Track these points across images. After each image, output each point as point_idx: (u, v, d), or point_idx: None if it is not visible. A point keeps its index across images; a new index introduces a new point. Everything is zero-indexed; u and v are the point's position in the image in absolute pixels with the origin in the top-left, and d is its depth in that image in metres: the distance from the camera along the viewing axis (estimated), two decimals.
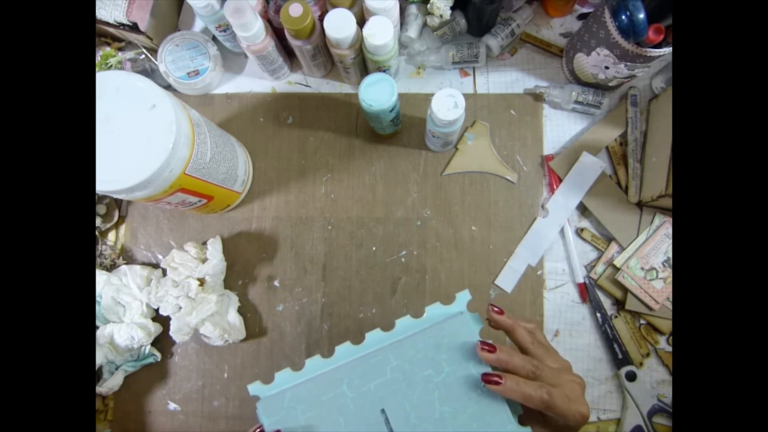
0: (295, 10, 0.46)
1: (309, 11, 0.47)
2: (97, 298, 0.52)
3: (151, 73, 0.57)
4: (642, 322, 0.51)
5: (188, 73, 0.55)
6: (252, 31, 0.47)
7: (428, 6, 0.53)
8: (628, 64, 0.47)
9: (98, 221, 0.55)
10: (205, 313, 0.50)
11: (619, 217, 0.52)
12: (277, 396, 0.33)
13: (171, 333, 0.50)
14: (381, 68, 0.51)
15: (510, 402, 0.32)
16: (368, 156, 0.56)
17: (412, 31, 0.55)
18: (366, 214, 0.55)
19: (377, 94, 0.46)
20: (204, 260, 0.53)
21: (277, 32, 0.53)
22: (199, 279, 0.52)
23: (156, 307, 0.52)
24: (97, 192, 0.37)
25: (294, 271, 0.55)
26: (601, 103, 0.53)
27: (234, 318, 0.52)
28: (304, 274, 0.55)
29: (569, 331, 0.52)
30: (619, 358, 0.50)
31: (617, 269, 0.51)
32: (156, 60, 0.56)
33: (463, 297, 0.35)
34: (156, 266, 0.55)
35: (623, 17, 0.43)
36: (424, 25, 0.56)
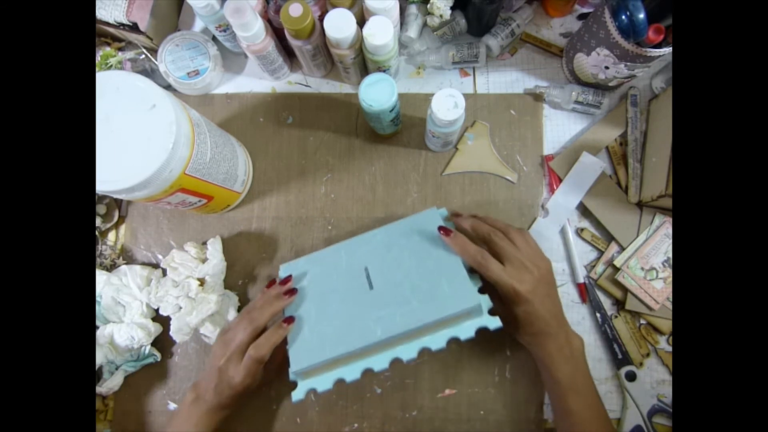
0: (295, 10, 0.46)
1: (309, 11, 0.47)
2: (97, 298, 0.52)
3: (151, 73, 0.57)
4: (642, 322, 0.51)
5: (188, 73, 0.55)
6: (252, 31, 0.47)
7: (428, 6, 0.53)
8: (628, 64, 0.47)
9: (98, 221, 0.55)
10: (206, 313, 0.50)
11: (619, 217, 0.52)
12: (295, 261, 0.48)
13: (171, 333, 0.50)
14: (381, 68, 0.51)
15: (471, 274, 0.42)
16: (368, 156, 0.56)
17: (412, 31, 0.55)
18: (366, 214, 0.55)
19: (377, 94, 0.46)
20: (204, 260, 0.53)
21: (277, 32, 0.53)
22: (199, 279, 0.52)
23: (156, 307, 0.52)
24: (97, 192, 0.37)
25: None
26: (601, 103, 0.53)
27: (234, 318, 0.52)
28: None
29: None
30: (618, 358, 0.50)
31: (617, 269, 0.51)
32: (156, 60, 0.56)
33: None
34: (156, 266, 0.55)
35: (623, 17, 0.43)
36: (424, 25, 0.56)
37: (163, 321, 0.53)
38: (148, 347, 0.52)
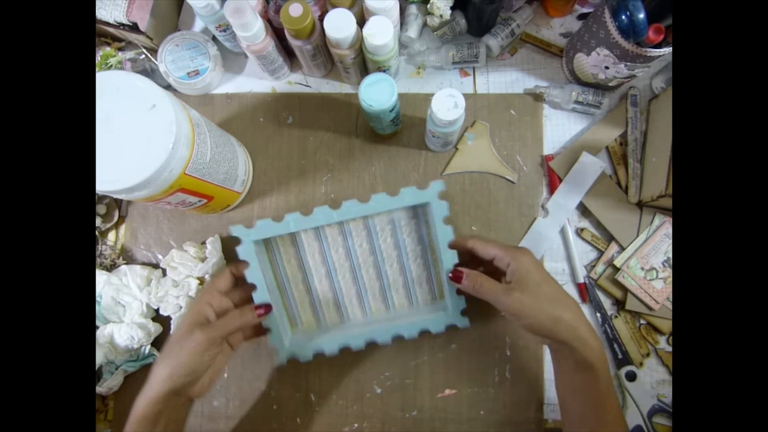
0: (295, 10, 0.46)
1: (309, 11, 0.47)
2: (97, 298, 0.52)
3: (151, 73, 0.57)
4: (642, 322, 0.51)
5: (188, 73, 0.55)
6: (252, 31, 0.47)
7: (428, 6, 0.53)
8: (628, 64, 0.47)
9: (98, 221, 0.55)
10: None
11: (619, 217, 0.52)
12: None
13: (171, 333, 0.50)
14: (381, 68, 0.51)
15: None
16: (368, 156, 0.56)
17: (412, 31, 0.55)
18: None
19: (377, 94, 0.46)
20: (203, 259, 0.53)
21: (277, 32, 0.53)
22: (199, 278, 0.52)
23: (156, 307, 0.52)
24: (97, 192, 0.37)
25: None
26: (601, 103, 0.53)
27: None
28: None
29: None
30: (619, 358, 0.51)
31: (617, 269, 0.51)
32: (156, 60, 0.56)
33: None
34: (156, 266, 0.55)
35: (623, 17, 0.43)
36: (424, 25, 0.56)
37: (163, 321, 0.53)
38: (148, 347, 0.52)
